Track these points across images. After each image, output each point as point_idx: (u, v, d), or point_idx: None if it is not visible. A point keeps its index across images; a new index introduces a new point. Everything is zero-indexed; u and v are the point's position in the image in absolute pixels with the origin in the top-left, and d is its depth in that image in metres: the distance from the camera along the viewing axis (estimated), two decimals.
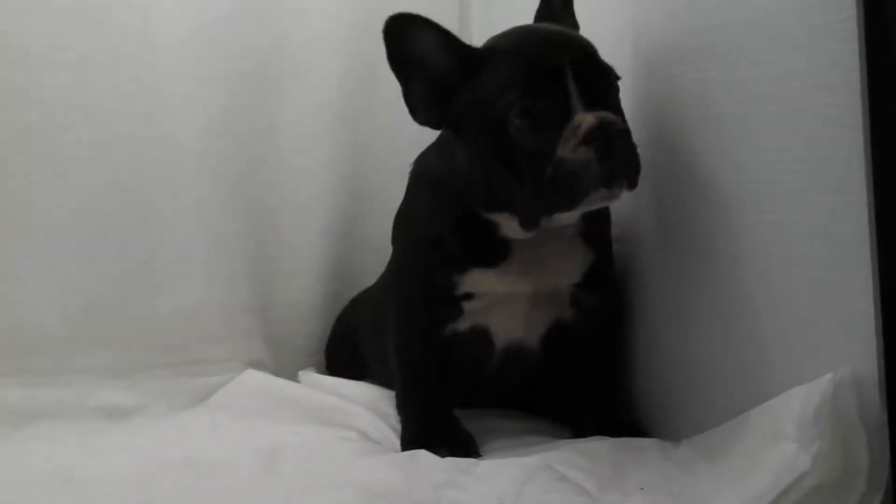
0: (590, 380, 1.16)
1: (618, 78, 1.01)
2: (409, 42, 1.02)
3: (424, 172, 1.17)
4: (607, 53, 1.02)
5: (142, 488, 0.96)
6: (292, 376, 1.45)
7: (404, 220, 1.20)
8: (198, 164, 1.49)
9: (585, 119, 0.94)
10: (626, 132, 0.96)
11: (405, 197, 1.21)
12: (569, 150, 0.94)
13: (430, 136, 1.16)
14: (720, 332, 0.99)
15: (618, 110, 1.00)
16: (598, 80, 0.98)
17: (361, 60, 1.61)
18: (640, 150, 0.97)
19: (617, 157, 0.94)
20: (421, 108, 1.05)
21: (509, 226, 1.05)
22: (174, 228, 1.47)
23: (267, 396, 1.32)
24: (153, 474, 1.00)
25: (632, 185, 0.97)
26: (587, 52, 1.01)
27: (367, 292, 1.46)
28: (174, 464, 1.04)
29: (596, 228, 1.12)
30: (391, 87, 1.07)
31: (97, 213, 1.42)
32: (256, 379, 1.38)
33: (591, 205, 0.98)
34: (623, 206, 1.15)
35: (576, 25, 1.12)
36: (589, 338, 1.16)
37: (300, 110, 1.59)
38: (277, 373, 1.45)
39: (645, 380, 1.16)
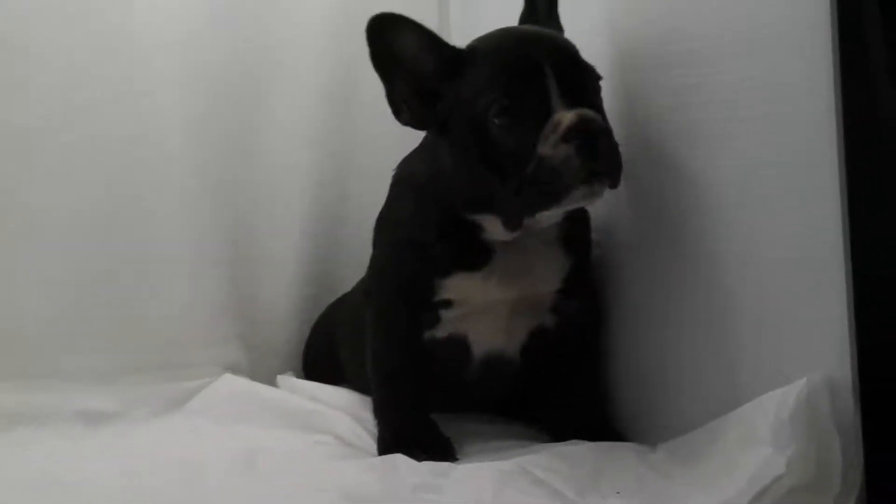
0: (569, 385, 1.16)
1: (599, 78, 1.02)
2: (391, 42, 1.02)
3: (407, 176, 1.17)
4: (588, 56, 1.02)
5: (125, 492, 0.97)
6: (270, 381, 1.44)
7: (386, 223, 1.20)
8: (179, 166, 1.49)
9: (566, 116, 0.94)
10: (608, 130, 0.97)
11: (387, 200, 1.20)
12: (549, 147, 0.94)
13: (412, 140, 1.16)
14: (697, 337, 0.99)
15: (599, 109, 1.00)
16: (578, 80, 0.99)
17: (344, 64, 1.60)
18: (621, 150, 0.97)
19: (598, 154, 0.94)
20: (404, 108, 1.05)
21: (493, 227, 1.05)
22: (154, 231, 1.46)
23: (245, 401, 1.32)
24: (134, 478, 1.01)
25: (614, 183, 0.97)
26: (568, 52, 1.01)
27: (346, 297, 1.46)
28: (155, 468, 1.05)
29: (576, 232, 1.13)
30: (373, 91, 1.07)
31: (77, 216, 1.42)
32: (234, 383, 1.38)
33: (574, 203, 0.98)
34: (602, 210, 1.16)
35: (560, 29, 1.12)
36: (569, 344, 1.16)
37: (283, 113, 1.59)
38: (255, 377, 1.44)
39: (623, 384, 1.16)
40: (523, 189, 0.96)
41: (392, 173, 1.21)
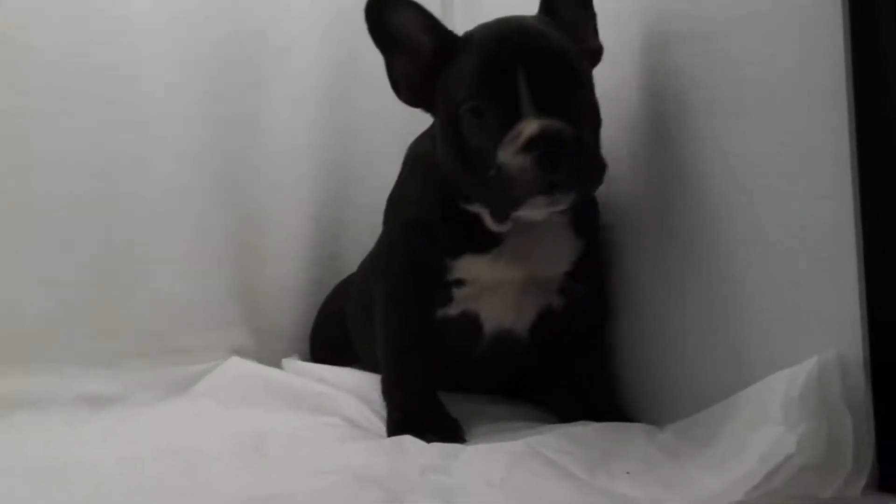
0: (577, 367, 1.16)
1: (583, 82, 1.00)
2: (390, 19, 1.03)
3: (418, 156, 1.17)
4: (613, 34, 1.01)
5: (127, 477, 0.95)
6: (276, 364, 1.44)
7: (397, 203, 1.20)
8: (180, 151, 1.49)
9: (528, 126, 0.93)
10: (574, 142, 0.93)
11: (398, 179, 1.20)
12: (508, 155, 0.93)
13: (416, 121, 1.15)
14: (706, 318, 0.99)
15: (579, 116, 0.97)
16: (554, 84, 0.96)
17: (345, 46, 1.60)
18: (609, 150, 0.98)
19: (558, 167, 0.92)
20: (403, 85, 1.06)
21: (486, 218, 1.05)
22: (156, 215, 1.46)
23: (251, 384, 1.31)
24: (138, 463, 1.00)
25: (582, 194, 0.97)
26: (549, 54, 0.98)
27: (352, 277, 1.45)
28: (159, 452, 1.03)
29: (587, 218, 1.12)
30: (376, 73, 1.07)
31: (78, 200, 1.42)
32: (240, 367, 1.38)
33: (534, 210, 0.97)
34: (613, 193, 1.16)
35: (587, 17, 1.08)
36: (577, 326, 1.16)
37: (284, 96, 1.59)
38: (261, 360, 1.44)
39: (631, 365, 1.16)
40: (487, 189, 0.96)
41: (404, 152, 1.21)
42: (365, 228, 1.50)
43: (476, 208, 1.05)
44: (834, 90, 0.79)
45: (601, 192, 1.12)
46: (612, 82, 1.09)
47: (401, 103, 1.07)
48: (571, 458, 0.91)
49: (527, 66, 0.95)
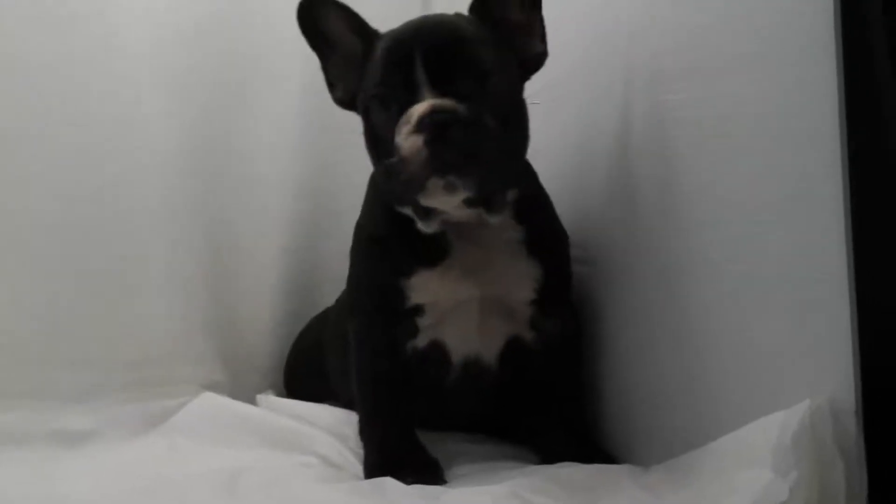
0: (554, 405, 1.14)
1: (487, 71, 0.98)
2: (320, 21, 1.06)
3: (373, 175, 1.16)
4: (600, 64, 0.99)
5: None
6: (250, 397, 1.42)
7: (357, 227, 1.20)
8: (157, 179, 1.46)
9: (420, 106, 0.93)
10: (467, 120, 0.92)
11: (363, 204, 1.20)
12: (403, 137, 0.93)
13: None
14: (690, 358, 0.97)
15: (483, 103, 0.95)
16: (452, 69, 0.96)
17: None
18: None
19: (447, 144, 0.91)
20: (338, 86, 1.09)
21: (416, 220, 1.03)
22: (131, 246, 1.43)
23: (225, 420, 1.28)
24: (111, 500, 0.98)
25: (481, 180, 0.94)
26: (449, 43, 0.98)
27: (330, 310, 1.43)
28: (133, 489, 1.01)
29: (541, 239, 1.11)
30: None
31: (51, 227, 1.39)
32: (214, 402, 1.35)
33: (437, 198, 0.95)
34: (588, 226, 1.15)
35: (534, 19, 1.05)
36: (550, 361, 1.15)
37: (268, 120, 1.58)
38: (235, 394, 1.42)
39: (612, 405, 1.14)
40: (390, 177, 0.96)
41: None
42: (342, 260, 1.47)
43: (406, 211, 1.03)
44: (827, 131, 0.78)
45: (575, 223, 1.11)
46: (596, 116, 1.09)
47: None
48: (555, 501, 0.89)
49: (425, 53, 0.96)
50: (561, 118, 1.19)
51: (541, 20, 1.06)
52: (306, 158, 1.61)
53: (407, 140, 0.93)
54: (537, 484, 0.94)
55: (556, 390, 1.15)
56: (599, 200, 1.14)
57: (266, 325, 1.55)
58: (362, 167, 1.55)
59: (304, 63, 1.57)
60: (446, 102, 0.93)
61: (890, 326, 0.78)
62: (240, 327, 1.53)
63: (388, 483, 0.99)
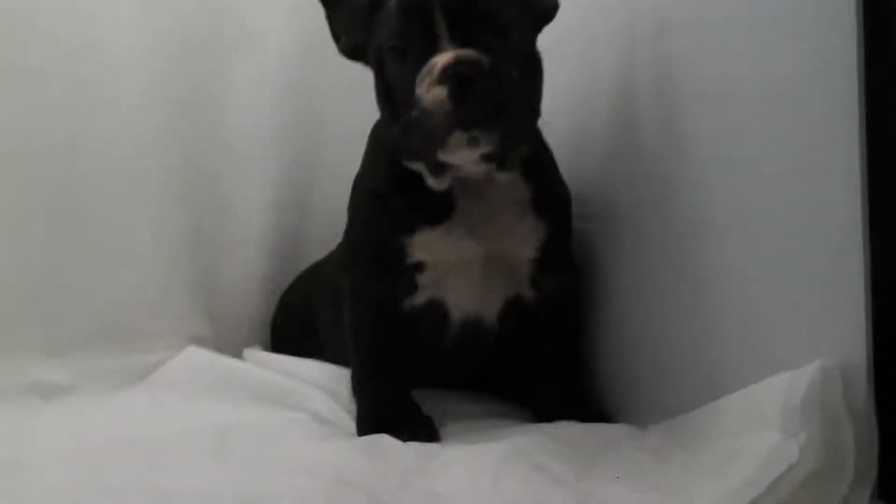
0: (551, 363, 1.13)
1: (507, 24, 0.95)
2: None
3: (375, 129, 1.13)
4: (602, 21, 0.97)
5: (82, 470, 0.90)
6: (235, 353, 1.39)
7: (356, 180, 1.16)
8: (139, 131, 1.43)
9: (443, 57, 0.90)
10: (492, 72, 0.90)
11: (362, 158, 1.16)
12: (424, 88, 0.90)
13: None
14: (695, 317, 0.96)
15: (504, 55, 0.93)
16: (474, 20, 0.93)
17: (311, 28, 1.52)
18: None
19: (475, 98, 0.89)
20: (343, 36, 1.05)
21: (427, 176, 1.01)
22: (113, 198, 1.40)
23: (210, 375, 1.27)
24: (93, 455, 0.95)
25: (504, 135, 0.91)
26: None
27: (321, 264, 1.40)
28: (115, 446, 0.99)
29: (547, 198, 1.09)
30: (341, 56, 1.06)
31: (31, 183, 1.35)
32: (199, 356, 1.33)
33: (458, 153, 0.93)
34: (590, 182, 1.13)
35: None
36: (549, 319, 1.13)
37: (249, 78, 1.54)
38: (219, 349, 1.40)
39: (609, 363, 1.14)
40: (408, 131, 0.93)
41: (360, 137, 1.17)
42: (330, 213, 1.46)
43: (416, 167, 1.01)
44: (844, 89, 0.75)
45: (577, 179, 1.09)
46: (594, 68, 1.06)
47: (369, 89, 1.03)
48: (558, 461, 0.87)
49: (445, 3, 0.92)
50: (562, 70, 1.16)
51: None
52: (288, 113, 1.58)
53: (429, 92, 0.89)
54: (537, 443, 0.92)
55: (554, 348, 1.14)
56: (602, 155, 1.12)
57: (251, 280, 1.52)
58: (345, 116, 1.54)
59: (280, 20, 1.56)
60: (471, 53, 0.90)
61: None
62: (224, 281, 1.50)
63: (385, 440, 0.97)
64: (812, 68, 0.78)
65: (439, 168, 0.97)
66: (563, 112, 1.15)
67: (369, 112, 1.15)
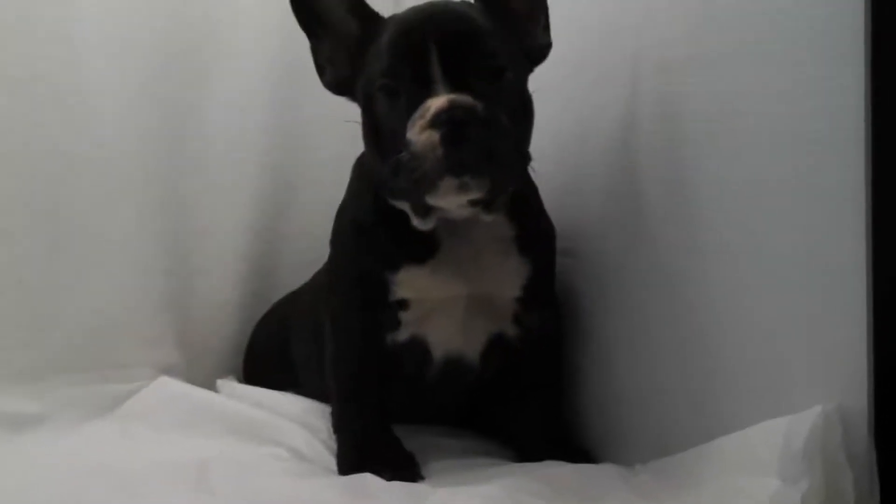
0: (534, 400, 1.12)
1: (502, 67, 0.94)
2: (314, 1, 1.01)
3: (361, 159, 1.11)
4: (605, 55, 0.96)
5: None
6: (207, 382, 1.36)
7: (340, 209, 1.14)
8: (111, 149, 1.38)
9: (436, 101, 0.89)
10: (485, 119, 0.88)
11: (347, 187, 1.14)
12: (416, 132, 0.89)
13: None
14: (685, 357, 0.94)
15: (498, 99, 0.92)
16: (468, 62, 0.92)
17: (292, 48, 1.50)
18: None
19: (467, 145, 0.87)
20: (328, 69, 1.04)
21: (412, 217, 0.98)
22: (85, 221, 1.35)
23: (184, 406, 1.23)
24: (60, 489, 0.92)
25: (494, 181, 0.90)
26: (465, 34, 0.94)
27: (297, 294, 1.38)
28: (84, 479, 0.95)
29: (531, 235, 1.07)
30: None
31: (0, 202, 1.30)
32: (171, 387, 1.29)
33: (447, 197, 0.91)
34: (575, 218, 1.12)
35: (538, 9, 1.02)
36: (532, 355, 1.11)
37: (227, 96, 1.50)
38: (191, 378, 1.36)
39: (594, 400, 1.12)
40: (397, 173, 0.91)
41: (351, 161, 1.15)
42: (306, 239, 1.44)
43: (402, 205, 0.99)
44: (845, 124, 0.74)
45: (565, 216, 1.07)
46: (598, 104, 1.05)
47: (350, 110, 1.03)
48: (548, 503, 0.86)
49: (440, 44, 0.91)
50: (558, 107, 1.15)
51: (545, 9, 1.02)
52: (268, 134, 1.54)
53: (421, 135, 0.88)
54: (525, 484, 0.90)
55: (536, 385, 1.12)
56: (599, 192, 1.10)
57: (224, 307, 1.48)
58: (325, 142, 1.52)
59: (265, 37, 1.53)
60: (465, 99, 0.88)
61: None
62: (197, 309, 1.45)
63: (369, 479, 0.95)
64: (816, 105, 0.77)
65: (426, 210, 0.95)
66: (553, 149, 1.13)
67: (350, 138, 1.13)
